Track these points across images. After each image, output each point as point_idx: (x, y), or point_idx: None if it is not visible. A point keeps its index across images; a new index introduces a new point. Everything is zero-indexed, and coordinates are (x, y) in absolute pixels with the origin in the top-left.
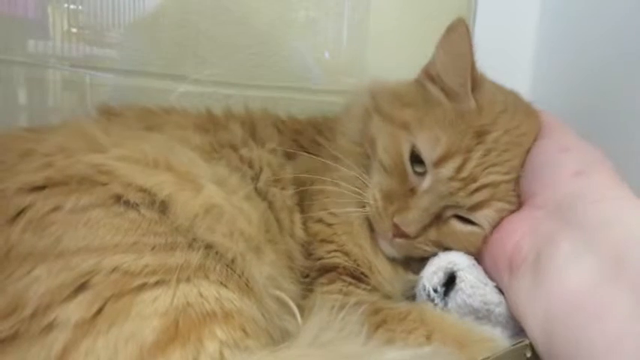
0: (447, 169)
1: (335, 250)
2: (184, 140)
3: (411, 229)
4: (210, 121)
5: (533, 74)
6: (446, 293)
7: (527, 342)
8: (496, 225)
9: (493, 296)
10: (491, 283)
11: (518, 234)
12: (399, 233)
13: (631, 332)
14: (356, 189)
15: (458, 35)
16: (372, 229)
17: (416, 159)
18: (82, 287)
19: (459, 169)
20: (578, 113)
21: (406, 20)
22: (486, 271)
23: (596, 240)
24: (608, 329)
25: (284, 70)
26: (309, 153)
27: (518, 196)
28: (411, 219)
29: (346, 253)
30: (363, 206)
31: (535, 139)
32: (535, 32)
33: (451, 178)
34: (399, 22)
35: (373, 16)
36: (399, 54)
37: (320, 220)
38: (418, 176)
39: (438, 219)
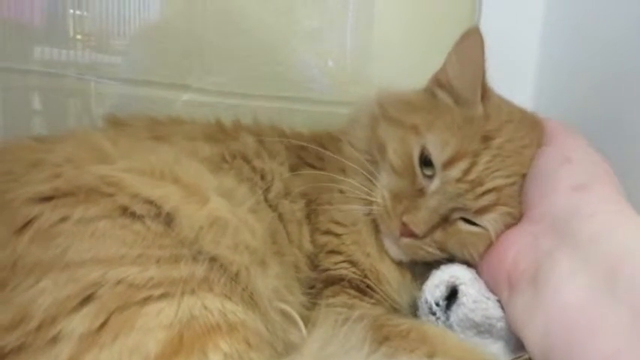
0: (456, 171)
1: (342, 262)
2: (193, 151)
3: (419, 229)
4: (221, 132)
5: (536, 85)
6: (448, 307)
7: (526, 356)
8: (500, 230)
9: (495, 311)
10: (493, 298)
11: (516, 249)
12: (406, 232)
13: (627, 348)
14: (363, 194)
15: (472, 42)
16: (378, 231)
17: (425, 161)
18: (87, 299)
19: (467, 171)
20: (581, 123)
21: (409, 29)
22: (486, 285)
23: (590, 255)
24: (604, 345)
25: (288, 80)
26: (314, 168)
27: (520, 203)
28: (420, 218)
29: (354, 263)
30: (371, 205)
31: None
32: (538, 43)
33: (459, 180)
34: (402, 31)
35: (377, 26)
36: (402, 63)
37: (328, 231)
38: (427, 178)
39: (445, 221)
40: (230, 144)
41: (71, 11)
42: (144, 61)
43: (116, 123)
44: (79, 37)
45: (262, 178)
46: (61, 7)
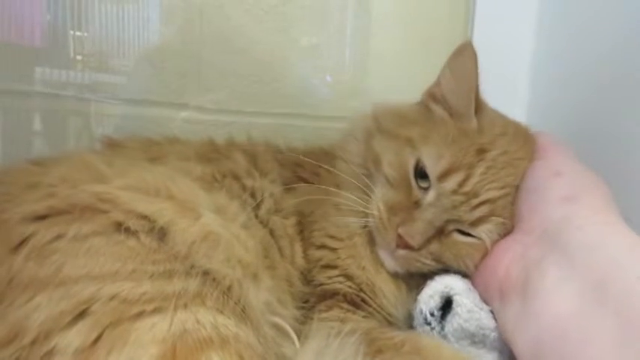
0: (451, 183)
1: (337, 276)
2: (186, 171)
3: (415, 240)
4: (213, 151)
5: (529, 97)
6: (442, 317)
7: None
8: (495, 240)
9: (489, 321)
10: (487, 308)
11: (508, 259)
12: (402, 244)
13: (617, 357)
14: (359, 206)
15: (466, 57)
16: (373, 244)
17: (420, 174)
18: (81, 315)
19: (462, 183)
20: (573, 136)
21: (406, 44)
22: (479, 296)
23: (579, 265)
24: (594, 355)
25: (285, 96)
26: (309, 183)
27: (512, 214)
28: (416, 230)
29: (349, 277)
30: (367, 217)
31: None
32: (531, 57)
33: (454, 192)
34: (399, 46)
35: (374, 41)
36: (400, 77)
37: (323, 246)
38: (422, 191)
39: (440, 233)
40: (221, 163)
41: (71, 32)
42: (143, 81)
43: (112, 144)
44: (79, 57)
45: (252, 195)
46: (61, 29)
